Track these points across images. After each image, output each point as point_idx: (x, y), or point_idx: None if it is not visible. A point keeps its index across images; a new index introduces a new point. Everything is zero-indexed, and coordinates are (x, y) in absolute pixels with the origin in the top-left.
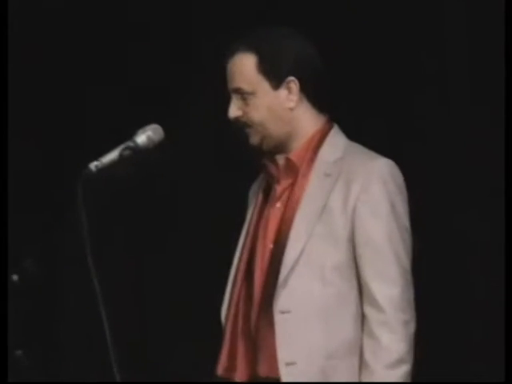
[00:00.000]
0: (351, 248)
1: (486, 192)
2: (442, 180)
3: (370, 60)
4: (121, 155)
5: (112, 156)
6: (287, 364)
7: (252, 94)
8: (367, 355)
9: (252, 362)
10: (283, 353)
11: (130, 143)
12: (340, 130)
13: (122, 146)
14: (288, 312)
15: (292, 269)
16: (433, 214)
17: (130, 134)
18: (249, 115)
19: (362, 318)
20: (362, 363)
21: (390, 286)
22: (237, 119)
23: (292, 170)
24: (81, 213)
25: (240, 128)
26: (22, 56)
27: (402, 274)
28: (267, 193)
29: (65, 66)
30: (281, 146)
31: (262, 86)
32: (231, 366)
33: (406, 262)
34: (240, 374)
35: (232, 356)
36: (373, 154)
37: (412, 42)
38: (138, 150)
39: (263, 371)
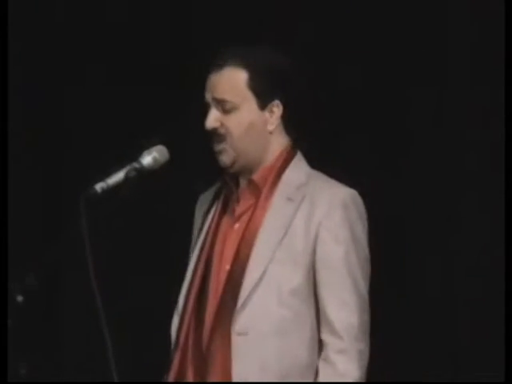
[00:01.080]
0: (311, 273)
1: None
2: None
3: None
4: (126, 176)
5: (117, 177)
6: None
7: (237, 107)
8: (321, 377)
9: (202, 380)
10: (237, 373)
11: (135, 165)
12: (302, 157)
13: (127, 168)
14: (245, 334)
15: (251, 292)
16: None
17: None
18: (228, 129)
19: (318, 342)
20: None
21: (348, 314)
22: (214, 130)
23: (254, 191)
24: (84, 232)
25: (214, 143)
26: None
27: (359, 301)
28: (224, 211)
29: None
30: (249, 168)
31: (249, 102)
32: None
33: (364, 289)
34: None
35: (181, 375)
36: (336, 182)
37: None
38: (143, 172)
39: None
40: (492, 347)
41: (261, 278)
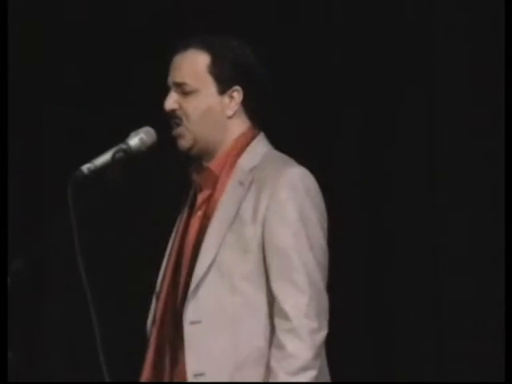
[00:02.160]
0: (262, 257)
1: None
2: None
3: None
4: (113, 157)
5: (104, 158)
6: (196, 375)
7: (196, 91)
8: (272, 362)
9: (171, 371)
10: (192, 364)
11: (122, 145)
12: (265, 138)
13: (114, 149)
14: (198, 322)
15: (202, 279)
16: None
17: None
18: (186, 111)
19: (273, 328)
20: (267, 368)
21: (296, 295)
22: (173, 112)
23: (211, 179)
24: (71, 214)
25: (172, 126)
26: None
27: (309, 282)
28: (194, 200)
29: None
30: (208, 153)
31: (209, 86)
32: (153, 376)
33: (315, 269)
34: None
35: (155, 366)
36: (288, 162)
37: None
38: (130, 153)
39: (180, 381)
40: (492, 347)
41: (211, 265)
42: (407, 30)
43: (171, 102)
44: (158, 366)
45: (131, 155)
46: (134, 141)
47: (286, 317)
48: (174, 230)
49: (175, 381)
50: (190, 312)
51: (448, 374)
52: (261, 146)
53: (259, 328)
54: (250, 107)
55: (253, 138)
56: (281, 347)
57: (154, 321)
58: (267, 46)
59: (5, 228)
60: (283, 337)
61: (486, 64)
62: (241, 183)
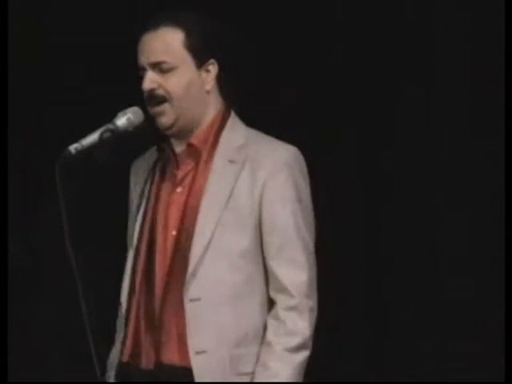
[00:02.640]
0: (258, 234)
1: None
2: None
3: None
4: (101, 138)
5: (92, 138)
6: (197, 353)
7: (175, 68)
8: (270, 335)
9: (158, 349)
10: (193, 342)
11: (110, 125)
12: (236, 115)
13: (102, 129)
14: (198, 300)
15: (201, 257)
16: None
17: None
18: (167, 88)
19: (269, 304)
20: (263, 343)
21: (298, 272)
22: (152, 91)
23: (194, 154)
24: (60, 195)
25: (152, 105)
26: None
27: (308, 259)
28: (163, 176)
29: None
30: (187, 130)
31: (186, 62)
32: (136, 353)
33: (312, 247)
34: (145, 361)
35: (136, 343)
36: (276, 141)
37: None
38: (118, 133)
39: (169, 359)
40: (492, 348)
41: (209, 243)
42: (407, 29)
43: (150, 81)
44: (138, 341)
45: (119, 135)
46: (122, 121)
47: (287, 293)
48: (143, 203)
49: (164, 355)
50: (191, 290)
51: (448, 373)
52: (238, 124)
53: (256, 305)
54: (223, 82)
55: (228, 115)
56: (281, 322)
57: (130, 297)
58: (267, 44)
59: (5, 228)
60: (285, 313)
61: (485, 64)
62: (231, 161)
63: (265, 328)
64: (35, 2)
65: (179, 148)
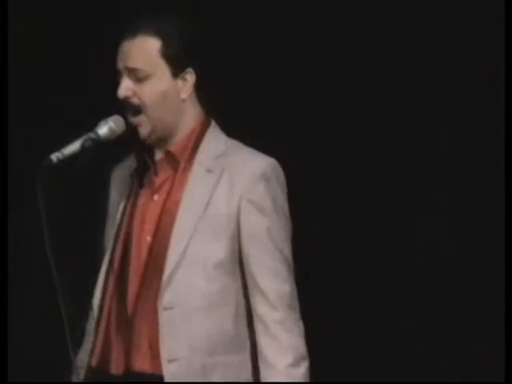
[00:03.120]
0: (235, 245)
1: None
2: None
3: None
4: (82, 146)
5: (74, 147)
6: (170, 361)
7: (150, 76)
8: (270, 356)
9: (128, 356)
10: (166, 350)
11: (91, 134)
12: (217, 125)
13: (83, 137)
14: (171, 308)
15: (176, 266)
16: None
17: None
18: (141, 97)
19: (246, 314)
20: (263, 363)
21: (280, 283)
22: (127, 99)
23: (172, 162)
24: (40, 203)
25: (129, 115)
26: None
27: (288, 270)
28: (141, 183)
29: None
30: (165, 139)
31: (162, 70)
32: (105, 358)
33: (291, 258)
34: (115, 367)
35: (106, 348)
36: (255, 152)
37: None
38: (99, 141)
39: (140, 366)
40: (492, 347)
41: (184, 251)
42: (406, 29)
43: (125, 89)
44: (108, 346)
45: (100, 144)
46: (103, 130)
47: (273, 306)
48: (120, 210)
49: (135, 363)
50: (165, 298)
51: (448, 373)
52: (219, 133)
53: (231, 315)
54: (202, 90)
55: (209, 124)
56: (274, 338)
57: (101, 303)
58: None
59: (5, 228)
60: (274, 328)
61: (485, 64)
62: (209, 171)
63: (239, 338)
64: (35, 2)
65: (158, 155)
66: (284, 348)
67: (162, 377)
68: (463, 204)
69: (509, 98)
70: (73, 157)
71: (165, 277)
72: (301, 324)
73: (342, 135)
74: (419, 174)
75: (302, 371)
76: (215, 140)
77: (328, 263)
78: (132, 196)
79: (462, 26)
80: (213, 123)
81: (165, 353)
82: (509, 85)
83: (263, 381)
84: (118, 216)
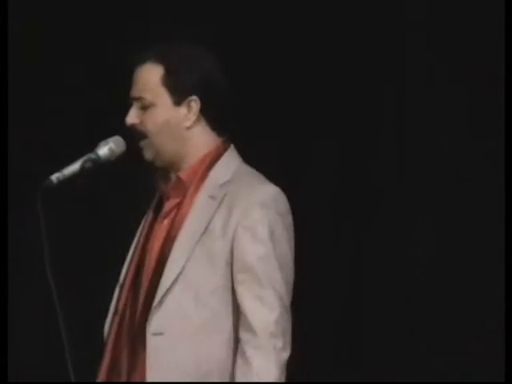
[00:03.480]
0: (229, 272)
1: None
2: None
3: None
4: (82, 167)
5: (73, 168)
6: None
7: (152, 105)
8: (238, 375)
9: (129, 378)
10: (153, 376)
11: (91, 155)
12: (236, 151)
13: (83, 158)
14: (160, 334)
15: (168, 290)
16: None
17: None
18: (146, 125)
19: (237, 342)
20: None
21: (265, 311)
22: (133, 127)
23: (181, 188)
24: (41, 223)
25: (135, 139)
26: None
27: (278, 300)
28: (159, 208)
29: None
30: (173, 164)
31: (164, 99)
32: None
33: (283, 288)
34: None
35: (111, 371)
36: (261, 180)
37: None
38: (99, 162)
39: None
40: (492, 347)
41: (177, 277)
42: (406, 29)
43: (132, 116)
44: (114, 372)
45: (100, 165)
46: (103, 150)
47: (253, 332)
48: (138, 234)
49: None
50: (154, 323)
51: (448, 373)
52: (232, 160)
53: (222, 343)
54: (210, 117)
55: (224, 150)
56: (246, 361)
57: (111, 326)
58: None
59: (5, 229)
60: (250, 352)
61: (485, 64)
62: (212, 197)
63: (231, 366)
64: (35, 2)
65: (171, 180)
66: (253, 372)
67: None
68: (463, 203)
69: (509, 98)
70: (73, 177)
71: (156, 301)
72: (283, 354)
73: (342, 135)
74: (418, 175)
75: None
76: (226, 167)
77: (328, 261)
78: (148, 222)
79: (462, 26)
80: (230, 149)
81: (152, 379)
82: (509, 85)
83: None
84: (135, 242)
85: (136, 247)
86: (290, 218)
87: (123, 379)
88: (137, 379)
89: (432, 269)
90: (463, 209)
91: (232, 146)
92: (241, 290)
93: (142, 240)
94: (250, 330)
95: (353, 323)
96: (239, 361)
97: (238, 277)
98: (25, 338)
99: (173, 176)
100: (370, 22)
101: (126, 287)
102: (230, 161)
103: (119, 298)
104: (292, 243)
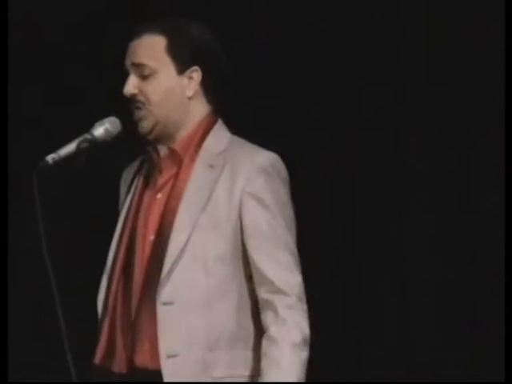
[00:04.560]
0: (237, 239)
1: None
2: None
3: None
4: (78, 148)
5: (69, 149)
6: (168, 356)
7: (155, 72)
8: (274, 332)
9: (131, 352)
10: (165, 345)
11: (87, 136)
12: (223, 123)
13: (79, 139)
14: (171, 304)
15: (176, 260)
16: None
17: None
18: (147, 94)
19: (251, 310)
20: (267, 340)
21: (288, 273)
22: (133, 97)
23: (175, 160)
24: (36, 204)
25: (133, 109)
26: None
27: (295, 262)
28: (147, 182)
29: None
30: (168, 136)
31: (167, 67)
32: (109, 356)
33: (295, 249)
34: (118, 364)
35: (110, 346)
36: (256, 147)
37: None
38: (95, 143)
39: (142, 362)
40: (492, 348)
41: (185, 246)
42: (405, 29)
43: (131, 86)
44: (112, 343)
45: (96, 145)
46: (99, 131)
47: (282, 293)
48: (125, 210)
49: (136, 358)
50: (164, 293)
51: (448, 373)
52: (223, 131)
53: (230, 309)
54: (209, 89)
55: (215, 122)
56: (281, 319)
57: (106, 302)
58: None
59: (5, 229)
60: (283, 311)
61: (485, 64)
62: (211, 166)
63: (241, 333)
64: (35, 2)
65: (162, 153)
66: (290, 328)
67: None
68: (463, 203)
69: (509, 98)
70: (68, 158)
71: (164, 272)
72: (307, 316)
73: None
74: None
75: (305, 355)
76: (219, 137)
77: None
78: (136, 197)
79: (462, 26)
80: (219, 121)
81: (164, 348)
82: (509, 85)
83: (262, 357)
84: (122, 217)
85: (124, 225)
86: (288, 182)
87: (123, 362)
88: (139, 362)
89: (432, 268)
90: (463, 207)
91: (220, 119)
92: (257, 257)
93: (130, 218)
94: (279, 291)
95: (350, 323)
96: (273, 320)
97: (251, 242)
98: (25, 337)
99: (163, 150)
100: (362, 10)
101: (119, 264)
102: (222, 131)
103: (112, 276)
104: (291, 206)
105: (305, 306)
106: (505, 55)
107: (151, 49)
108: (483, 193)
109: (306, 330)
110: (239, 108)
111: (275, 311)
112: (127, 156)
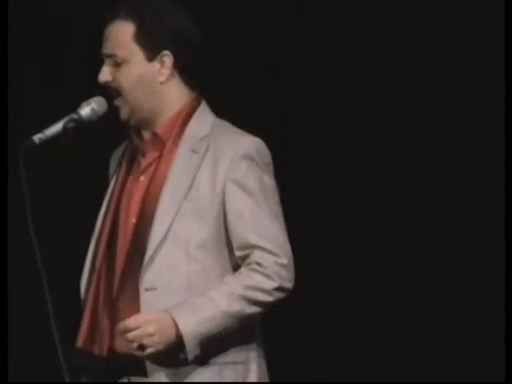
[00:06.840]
0: (219, 225)
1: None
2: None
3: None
4: (65, 128)
5: (56, 128)
6: None
7: (125, 61)
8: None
9: (112, 336)
10: None
11: (74, 115)
12: (208, 106)
13: (66, 119)
14: (154, 289)
15: (158, 246)
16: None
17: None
18: (119, 82)
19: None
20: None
21: (271, 258)
22: (107, 84)
23: (158, 144)
24: (23, 184)
25: (110, 98)
26: None
27: (279, 246)
28: (131, 165)
29: None
30: (148, 121)
31: (136, 55)
32: (91, 339)
33: (282, 234)
34: (100, 348)
35: (92, 329)
36: (240, 132)
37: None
38: (81, 123)
39: (122, 347)
40: (492, 347)
41: (167, 232)
42: (405, 29)
43: (105, 74)
44: (94, 326)
45: (82, 125)
46: (86, 111)
47: (276, 254)
48: (109, 193)
49: (116, 342)
50: (146, 279)
51: (448, 373)
52: (206, 114)
53: None
54: (184, 72)
55: (198, 105)
56: (262, 267)
57: (88, 284)
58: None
59: (4, 228)
60: (272, 267)
61: (485, 64)
62: (194, 151)
63: None
64: (35, 2)
65: (145, 136)
66: (265, 274)
67: (144, 357)
68: (463, 202)
69: (509, 98)
70: (55, 138)
71: (146, 258)
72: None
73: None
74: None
75: (277, 295)
76: (202, 121)
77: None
78: (120, 179)
79: (462, 26)
80: (202, 104)
81: None
82: (509, 85)
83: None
84: (107, 199)
85: (108, 208)
86: (272, 167)
87: (104, 345)
88: (118, 346)
89: (432, 269)
90: (463, 206)
91: (204, 101)
92: (239, 241)
93: (114, 201)
94: (270, 252)
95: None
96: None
97: (235, 229)
98: (25, 337)
99: (146, 134)
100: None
101: (102, 246)
102: (205, 115)
103: (95, 258)
104: (277, 191)
105: (290, 286)
106: (505, 55)
107: (119, 38)
108: (482, 192)
109: (287, 284)
110: (225, 91)
111: (264, 267)
112: (117, 136)
